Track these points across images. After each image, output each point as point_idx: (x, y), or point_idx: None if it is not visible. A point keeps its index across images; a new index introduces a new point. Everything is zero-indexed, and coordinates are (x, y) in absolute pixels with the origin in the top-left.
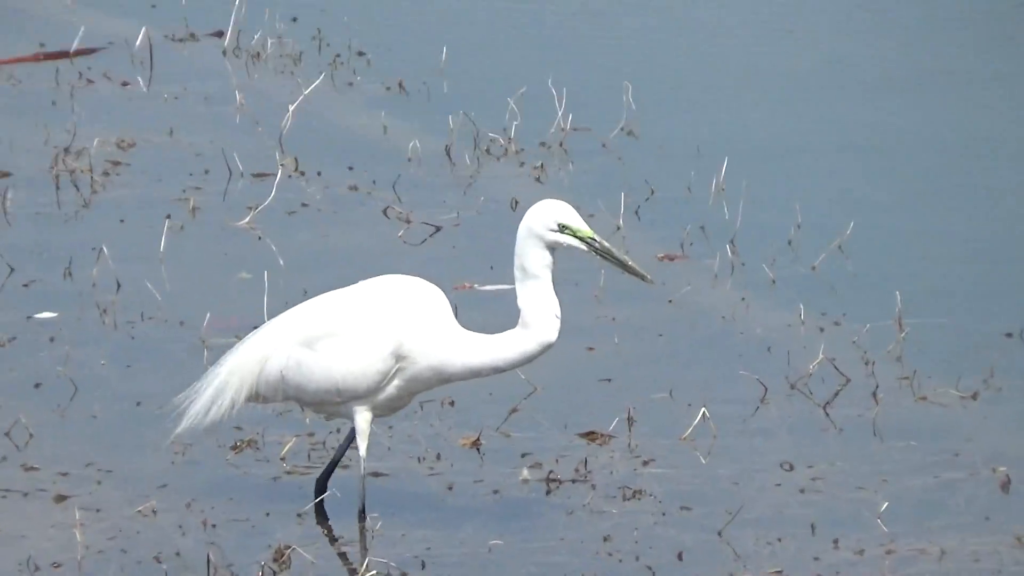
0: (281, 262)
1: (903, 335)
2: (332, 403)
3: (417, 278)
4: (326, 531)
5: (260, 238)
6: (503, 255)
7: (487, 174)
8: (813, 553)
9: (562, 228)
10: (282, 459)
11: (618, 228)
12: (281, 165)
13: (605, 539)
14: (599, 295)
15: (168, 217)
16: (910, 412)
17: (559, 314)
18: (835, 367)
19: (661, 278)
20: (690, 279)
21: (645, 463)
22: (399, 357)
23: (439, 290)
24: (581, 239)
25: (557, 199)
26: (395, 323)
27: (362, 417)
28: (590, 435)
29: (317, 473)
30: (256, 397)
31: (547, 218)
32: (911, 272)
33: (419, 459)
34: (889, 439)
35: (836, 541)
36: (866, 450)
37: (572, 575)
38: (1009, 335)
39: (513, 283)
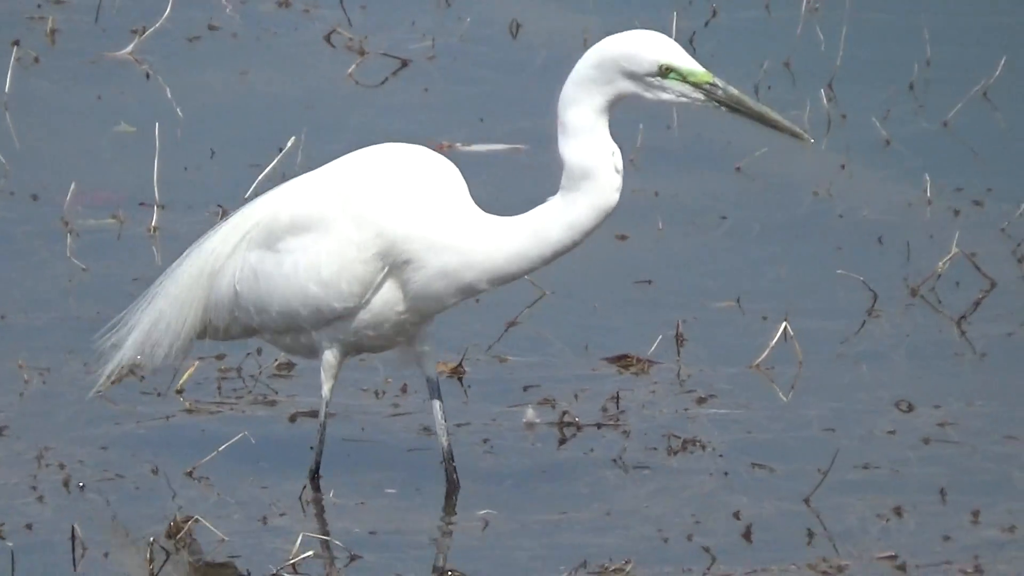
0: (178, 111)
1: None
2: (301, 328)
3: (418, 146)
4: (240, 495)
5: (148, 76)
6: (498, 101)
7: None
8: (942, 530)
9: (665, 71)
10: (178, 391)
11: None
12: None
13: (642, 509)
14: (635, 159)
15: (15, 44)
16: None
17: (621, 167)
18: (975, 265)
19: (725, 134)
20: (767, 137)
21: (701, 400)
22: (388, 255)
23: (451, 164)
24: (695, 85)
25: (642, 30)
26: (379, 205)
27: (330, 353)
28: (622, 360)
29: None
30: (206, 330)
31: (641, 57)
32: None
33: (377, 393)
34: None
35: (976, 514)
36: (1019, 384)
37: (596, 559)
38: None
39: (510, 144)
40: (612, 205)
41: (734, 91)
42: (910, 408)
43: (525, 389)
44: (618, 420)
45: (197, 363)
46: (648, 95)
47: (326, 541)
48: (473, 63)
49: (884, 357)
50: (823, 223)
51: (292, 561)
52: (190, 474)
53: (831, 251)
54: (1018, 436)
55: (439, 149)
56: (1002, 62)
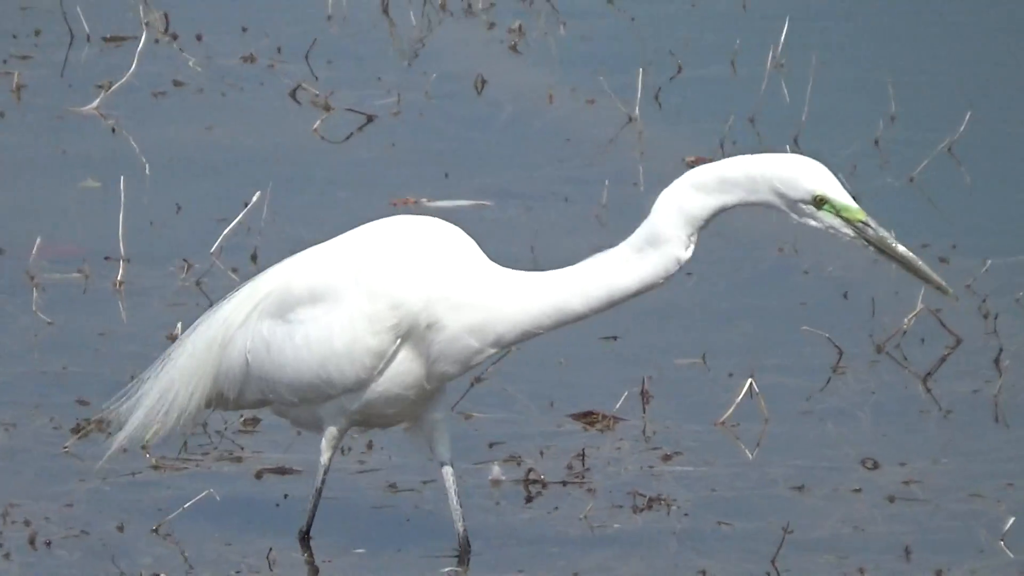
0: (144, 165)
1: None
2: (310, 400)
3: (426, 216)
4: (207, 552)
5: (114, 130)
6: (462, 156)
7: (440, 39)
8: None
9: (819, 202)
10: (144, 448)
11: (630, 120)
12: (145, 25)
13: (607, 570)
14: (600, 215)
15: None
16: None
17: (684, 261)
18: (941, 322)
19: None
20: None
21: (666, 458)
22: (402, 326)
23: (458, 229)
24: (847, 220)
25: (804, 157)
26: (391, 277)
27: (334, 428)
28: (588, 417)
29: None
30: (217, 399)
31: (796, 183)
32: None
33: (343, 450)
34: (1018, 426)
35: (939, 573)
36: (983, 442)
37: None
38: None
39: (475, 200)
40: (659, 281)
41: (884, 234)
42: (875, 466)
43: (491, 446)
44: (583, 478)
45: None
46: (794, 217)
47: None
48: (438, 119)
49: (849, 414)
50: (788, 279)
51: None
52: (156, 531)
53: (796, 307)
54: (983, 494)
55: (404, 204)
56: (967, 118)
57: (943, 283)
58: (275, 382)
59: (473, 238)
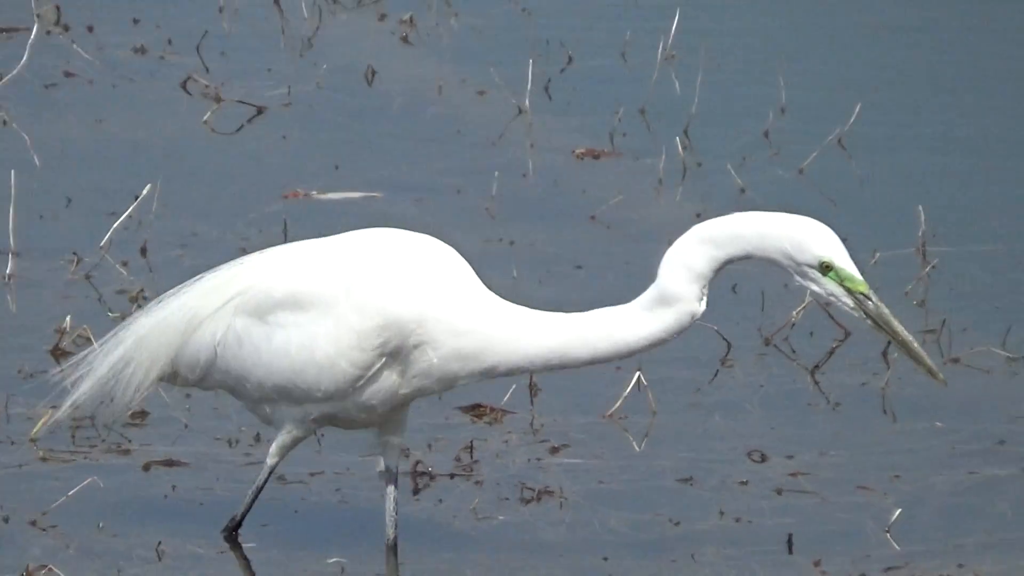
0: (35, 158)
1: (928, 269)
2: (273, 401)
3: (422, 235)
4: (95, 545)
5: (4, 123)
6: (353, 148)
7: (332, 31)
8: None
9: (825, 268)
10: (32, 440)
11: (520, 111)
12: (37, 16)
13: (494, 561)
14: (490, 207)
15: None
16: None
17: (698, 316)
18: (829, 314)
19: (581, 183)
20: (623, 185)
21: (554, 450)
22: (390, 343)
23: (454, 250)
24: (849, 291)
25: (812, 218)
26: (385, 294)
27: (287, 435)
28: (476, 409)
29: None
30: (171, 376)
31: (805, 247)
32: (939, 179)
33: (231, 442)
34: (905, 419)
35: (819, 563)
36: (871, 434)
37: None
38: None
39: (365, 192)
40: (675, 334)
41: (885, 311)
42: (763, 458)
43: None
44: (471, 470)
45: (52, 411)
46: (797, 279)
47: None
48: (329, 110)
49: (738, 407)
50: None
51: None
52: (34, 523)
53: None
54: (870, 486)
55: (295, 197)
56: (857, 109)
57: (935, 367)
58: (242, 378)
59: (355, 228)
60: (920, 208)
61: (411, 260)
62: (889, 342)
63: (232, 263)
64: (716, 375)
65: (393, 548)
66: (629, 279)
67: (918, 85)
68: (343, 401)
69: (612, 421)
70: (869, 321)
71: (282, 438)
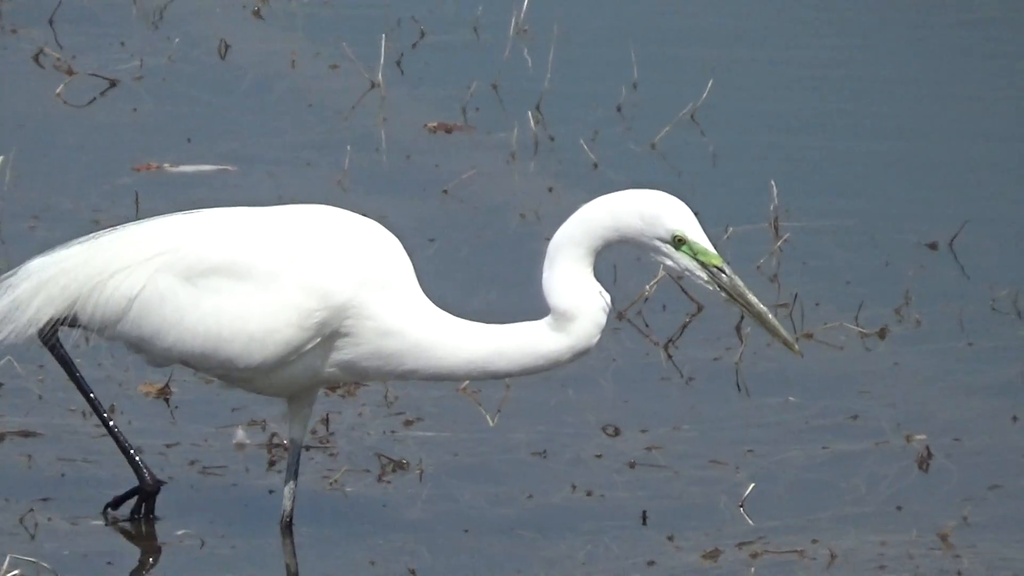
0: None
1: (781, 243)
2: (194, 366)
3: (369, 220)
4: None
5: None
6: (205, 121)
7: (184, 5)
8: (645, 555)
9: (678, 242)
10: None
11: (373, 86)
12: None
13: (353, 534)
14: (342, 180)
15: None
16: (789, 355)
17: (608, 308)
18: (682, 288)
19: (433, 157)
20: (475, 160)
21: (408, 423)
22: (327, 326)
23: (397, 241)
24: (703, 264)
25: (664, 192)
26: (331, 276)
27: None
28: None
29: None
30: (67, 320)
31: (657, 221)
32: (792, 153)
33: (85, 413)
34: (758, 393)
35: (672, 538)
36: (725, 409)
37: None
38: (932, 246)
39: (218, 165)
40: (590, 347)
41: (739, 283)
42: (617, 432)
43: (233, 410)
44: (327, 442)
45: None
46: (651, 255)
47: (34, 563)
48: (181, 83)
49: (591, 381)
50: (530, 246)
51: None
52: None
53: (538, 274)
54: (723, 460)
55: (147, 169)
56: (709, 85)
57: (790, 339)
58: (154, 337)
59: (216, 203)
60: (772, 183)
61: (360, 245)
62: (743, 316)
63: (149, 220)
64: None
65: (288, 525)
66: (482, 252)
67: (770, 60)
68: (263, 377)
69: (466, 395)
70: (724, 294)
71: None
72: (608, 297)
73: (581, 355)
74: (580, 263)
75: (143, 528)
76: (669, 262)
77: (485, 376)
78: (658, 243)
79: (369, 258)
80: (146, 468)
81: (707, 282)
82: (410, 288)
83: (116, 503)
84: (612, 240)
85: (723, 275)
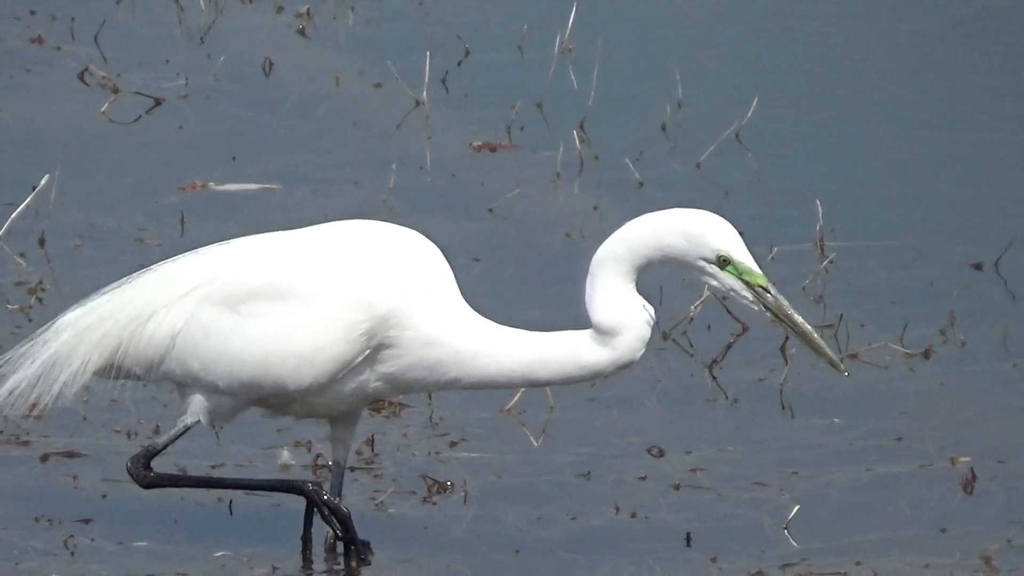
0: None
1: (826, 264)
2: (246, 394)
3: (407, 229)
4: None
5: None
6: (250, 139)
7: (229, 23)
8: None
9: (723, 262)
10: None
11: (417, 104)
12: None
13: (397, 555)
14: (387, 199)
15: None
16: (834, 376)
17: (652, 320)
18: (727, 309)
19: (478, 176)
20: (520, 178)
21: (452, 444)
22: (375, 338)
23: (438, 250)
24: (748, 284)
25: (710, 212)
26: (377, 287)
27: (215, 411)
28: (374, 403)
29: None
30: (112, 370)
31: (702, 240)
32: (837, 174)
33: (130, 434)
34: (803, 415)
35: (716, 559)
36: (769, 430)
37: None
38: (978, 266)
39: (263, 183)
40: (633, 360)
41: (784, 303)
42: (661, 453)
43: (278, 431)
44: (372, 463)
45: None
46: (695, 275)
47: None
48: (226, 102)
49: (636, 402)
50: (576, 265)
51: None
52: None
53: (583, 294)
54: (768, 482)
55: (192, 188)
56: (754, 104)
57: (836, 359)
58: (203, 371)
59: (261, 222)
60: (818, 203)
61: (399, 254)
62: (787, 337)
63: (184, 255)
64: None
65: (333, 546)
66: (527, 271)
67: (816, 80)
68: (313, 397)
69: (510, 416)
70: (769, 314)
71: (218, 410)
72: (652, 310)
73: (623, 368)
74: (623, 279)
75: (186, 549)
76: (714, 282)
77: (526, 384)
78: (703, 263)
79: (411, 267)
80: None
81: (752, 302)
82: (452, 297)
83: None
84: (655, 259)
85: (768, 295)
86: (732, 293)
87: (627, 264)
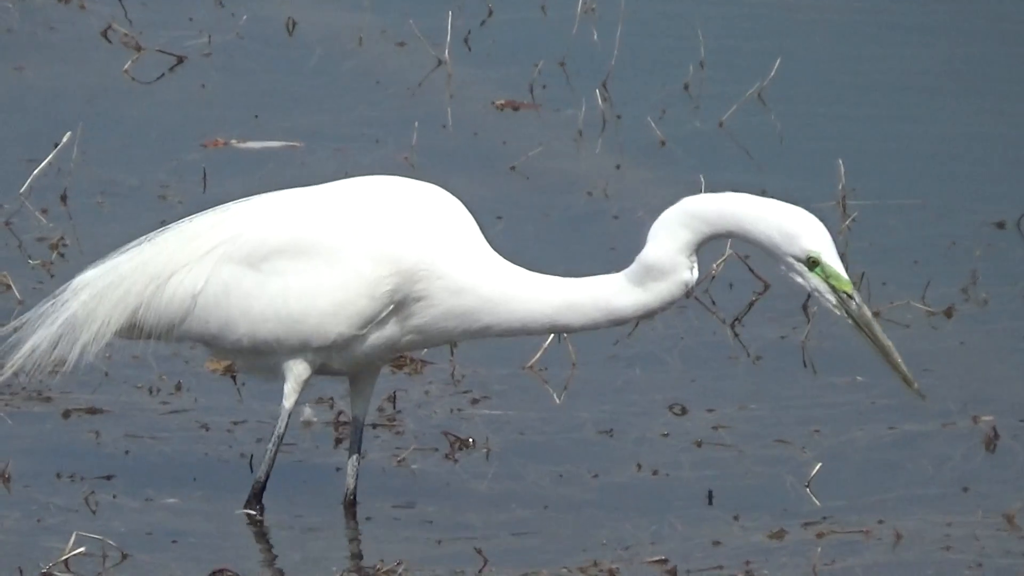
0: None
1: (848, 222)
2: (269, 351)
3: (428, 183)
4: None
5: None
6: (273, 98)
7: None
8: (711, 534)
9: (812, 263)
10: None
11: (440, 63)
12: None
13: (417, 511)
14: (409, 157)
15: None
16: (855, 334)
17: (691, 285)
18: (749, 267)
19: (500, 134)
20: (542, 137)
21: (475, 401)
22: (399, 292)
23: (460, 204)
24: (834, 288)
25: (808, 213)
26: (400, 241)
27: (302, 366)
28: (396, 360)
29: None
30: (132, 330)
31: (795, 240)
32: (859, 134)
33: (152, 390)
34: (825, 373)
35: (738, 517)
36: (791, 388)
37: (369, 560)
38: (1000, 224)
39: (286, 141)
40: (660, 309)
41: (867, 313)
42: (683, 411)
43: None
44: (394, 420)
45: None
46: (781, 268)
47: (100, 540)
48: (249, 60)
49: (658, 359)
50: (598, 223)
51: (63, 558)
52: None
53: (606, 251)
54: (790, 440)
55: (214, 146)
56: (776, 64)
57: (911, 377)
58: (225, 329)
59: (283, 179)
60: (840, 162)
61: (422, 208)
62: (809, 295)
63: (205, 212)
64: (636, 327)
65: (352, 502)
66: (549, 230)
67: (839, 39)
68: (340, 352)
69: (532, 373)
70: (850, 321)
71: (296, 374)
72: (696, 277)
73: (646, 315)
74: (696, 236)
75: (208, 506)
76: (799, 280)
77: (553, 330)
78: (792, 260)
79: (433, 219)
80: None
81: (835, 306)
82: (477, 244)
83: None
84: (738, 237)
85: (852, 302)
86: (816, 294)
87: (710, 228)
